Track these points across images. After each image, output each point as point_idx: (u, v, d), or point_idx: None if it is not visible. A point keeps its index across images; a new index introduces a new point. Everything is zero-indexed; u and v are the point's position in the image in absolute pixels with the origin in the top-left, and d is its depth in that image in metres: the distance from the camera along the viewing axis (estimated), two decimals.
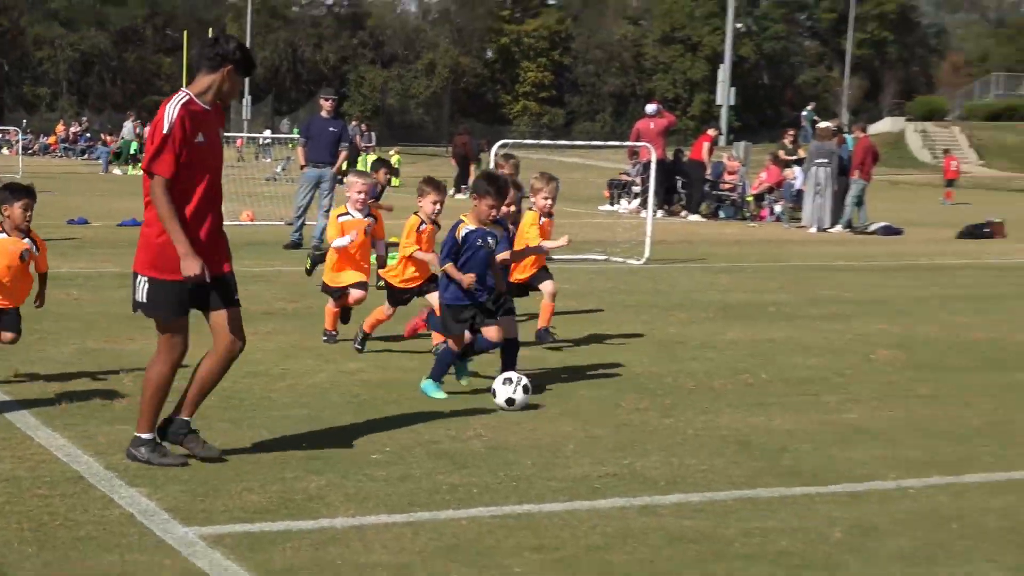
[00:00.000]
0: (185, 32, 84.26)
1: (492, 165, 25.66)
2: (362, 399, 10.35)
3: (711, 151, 35.51)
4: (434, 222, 11.79)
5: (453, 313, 10.08)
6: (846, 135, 33.48)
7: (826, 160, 30.96)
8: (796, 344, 13.48)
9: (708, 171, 35.10)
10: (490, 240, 10.13)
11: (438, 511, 7.28)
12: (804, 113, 52.73)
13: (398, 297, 12.07)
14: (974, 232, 30.06)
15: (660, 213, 28.21)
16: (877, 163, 34.48)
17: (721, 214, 34.49)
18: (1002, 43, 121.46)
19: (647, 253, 21.59)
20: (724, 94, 65.12)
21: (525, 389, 9.72)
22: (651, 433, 9.47)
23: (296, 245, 22.36)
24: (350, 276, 12.29)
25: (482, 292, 10.06)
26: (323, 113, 23.58)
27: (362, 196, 12.44)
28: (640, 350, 12.95)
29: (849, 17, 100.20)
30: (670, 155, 35.46)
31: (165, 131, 7.29)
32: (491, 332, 9.97)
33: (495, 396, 9.83)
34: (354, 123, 49.81)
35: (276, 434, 8.17)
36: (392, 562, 6.37)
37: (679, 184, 34.76)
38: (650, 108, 33.85)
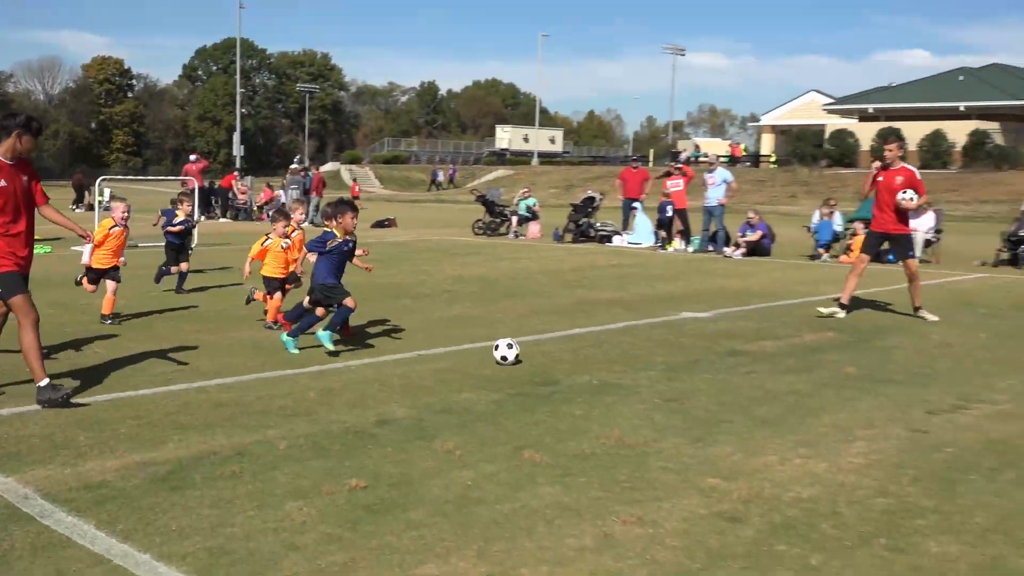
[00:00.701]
0: None
1: (97, 193, 23.96)
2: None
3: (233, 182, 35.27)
4: (286, 235, 10.47)
5: (328, 289, 9.00)
6: (309, 172, 33.58)
7: (297, 186, 31.10)
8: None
9: (231, 193, 34.44)
10: (351, 243, 9.25)
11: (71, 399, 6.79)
12: (298, 156, 51.77)
13: (276, 285, 10.40)
14: (381, 224, 30.65)
15: (203, 218, 27.09)
16: (326, 187, 34.71)
17: (239, 218, 33.71)
18: (389, 121, 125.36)
19: (195, 241, 20.68)
20: (237, 149, 63.92)
21: (510, 346, 8.57)
22: (206, 345, 9.10)
23: None
24: (98, 265, 10.60)
25: (339, 276, 9.14)
26: None
27: (126, 215, 10.82)
28: (217, 295, 12.47)
29: (306, 107, 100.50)
30: (207, 184, 34.54)
31: None
32: (349, 301, 8.92)
33: (503, 355, 8.46)
34: None
35: None
36: (41, 433, 6.03)
37: (214, 201, 33.86)
38: (192, 157, 33.02)
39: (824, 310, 11.56)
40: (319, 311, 9.16)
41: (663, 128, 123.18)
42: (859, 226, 20.12)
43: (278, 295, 10.40)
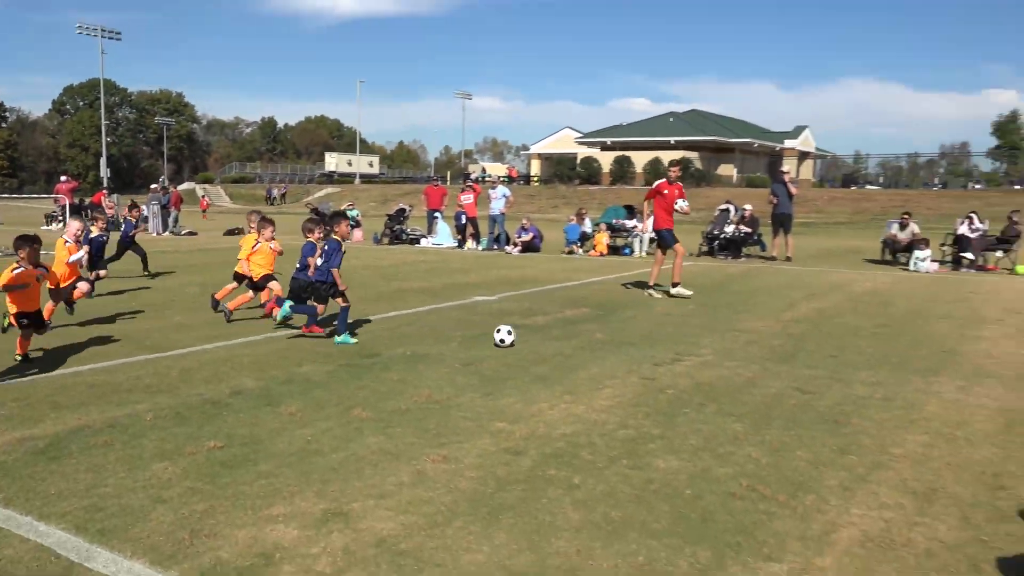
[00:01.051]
0: None
1: None
2: None
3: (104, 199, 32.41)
4: (272, 238, 9.67)
5: (327, 288, 8.23)
6: (168, 190, 31.14)
7: (156, 202, 28.62)
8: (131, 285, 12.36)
9: (101, 208, 31.65)
10: (343, 247, 8.35)
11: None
12: (162, 178, 47.98)
13: (256, 286, 9.53)
14: (232, 232, 28.71)
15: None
16: (183, 202, 32.33)
17: (108, 228, 31.10)
18: (236, 148, 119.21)
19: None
20: (104, 172, 58.97)
21: (509, 332, 7.97)
22: (80, 337, 8.35)
23: None
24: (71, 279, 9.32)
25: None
26: None
27: (79, 232, 9.45)
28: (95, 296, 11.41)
29: (164, 137, 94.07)
30: (77, 201, 31.65)
31: None
32: (341, 300, 8.26)
33: (502, 339, 7.91)
34: None
35: None
36: None
37: (85, 215, 30.97)
38: (63, 178, 30.36)
39: (683, 292, 11.97)
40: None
41: (457, 155, 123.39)
42: (603, 227, 20.93)
43: (275, 284, 9.63)
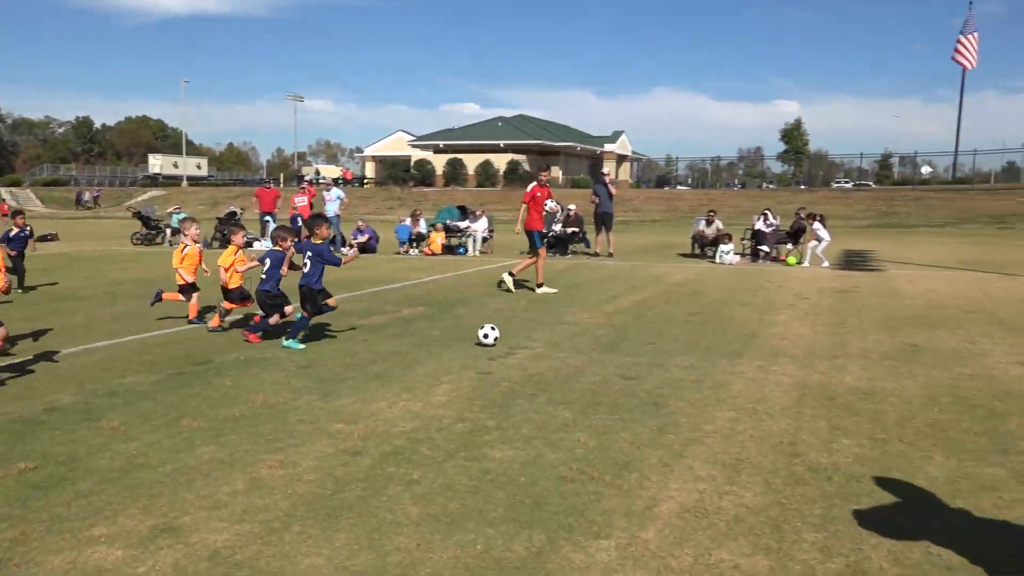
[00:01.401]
0: None
1: None
2: None
3: None
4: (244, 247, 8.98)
5: (319, 294, 7.93)
6: None
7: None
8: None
9: None
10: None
11: None
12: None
13: (232, 296, 8.77)
14: (44, 238, 26.04)
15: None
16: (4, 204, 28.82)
17: None
18: (47, 149, 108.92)
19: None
20: None
21: (492, 328, 7.74)
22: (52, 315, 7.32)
23: None
24: None
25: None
26: None
27: None
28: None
29: None
30: None
31: None
32: (332, 301, 8.00)
33: (486, 336, 7.78)
34: None
35: None
36: None
37: None
38: None
39: (548, 290, 12.00)
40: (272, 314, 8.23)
41: (290, 157, 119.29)
42: (439, 227, 20.93)
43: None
